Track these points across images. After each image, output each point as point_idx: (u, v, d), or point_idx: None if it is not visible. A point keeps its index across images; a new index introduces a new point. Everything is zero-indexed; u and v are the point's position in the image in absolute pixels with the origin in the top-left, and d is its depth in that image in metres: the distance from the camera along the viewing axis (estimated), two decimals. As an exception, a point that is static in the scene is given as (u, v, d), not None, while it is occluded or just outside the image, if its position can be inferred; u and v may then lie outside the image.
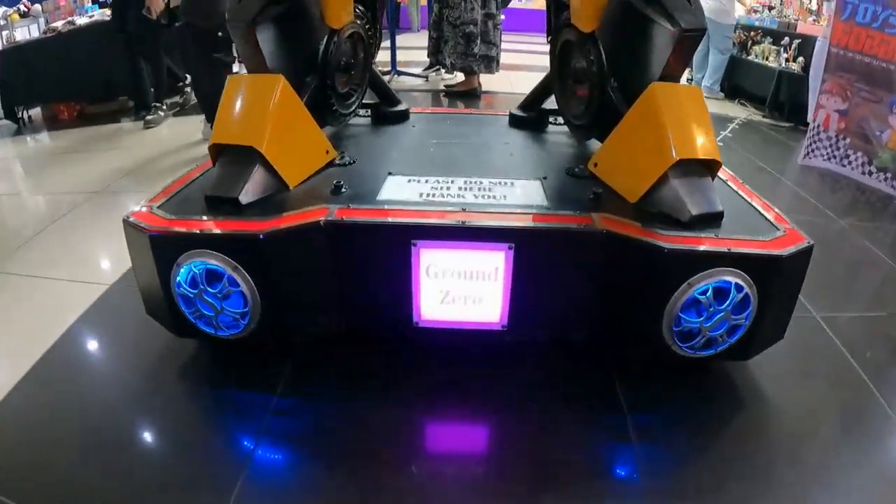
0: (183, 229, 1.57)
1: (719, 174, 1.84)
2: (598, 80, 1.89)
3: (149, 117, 4.89)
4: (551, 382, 1.78)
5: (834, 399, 1.84)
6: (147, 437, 1.61)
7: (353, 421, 1.61)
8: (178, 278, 1.59)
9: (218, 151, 1.77)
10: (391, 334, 1.80)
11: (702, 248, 1.50)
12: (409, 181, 1.79)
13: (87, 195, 3.37)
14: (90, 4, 7.37)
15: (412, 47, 8.06)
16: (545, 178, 1.85)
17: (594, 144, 2.16)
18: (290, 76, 1.82)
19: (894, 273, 2.72)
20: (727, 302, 1.52)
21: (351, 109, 2.24)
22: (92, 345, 2.02)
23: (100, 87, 5.60)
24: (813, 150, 4.48)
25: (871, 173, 4.24)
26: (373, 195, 1.69)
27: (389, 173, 1.85)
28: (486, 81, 5.45)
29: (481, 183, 1.77)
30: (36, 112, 5.71)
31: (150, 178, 3.56)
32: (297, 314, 1.67)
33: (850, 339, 2.09)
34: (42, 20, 8.08)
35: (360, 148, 2.15)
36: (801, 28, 6.47)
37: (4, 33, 6.44)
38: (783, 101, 5.92)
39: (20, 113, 5.37)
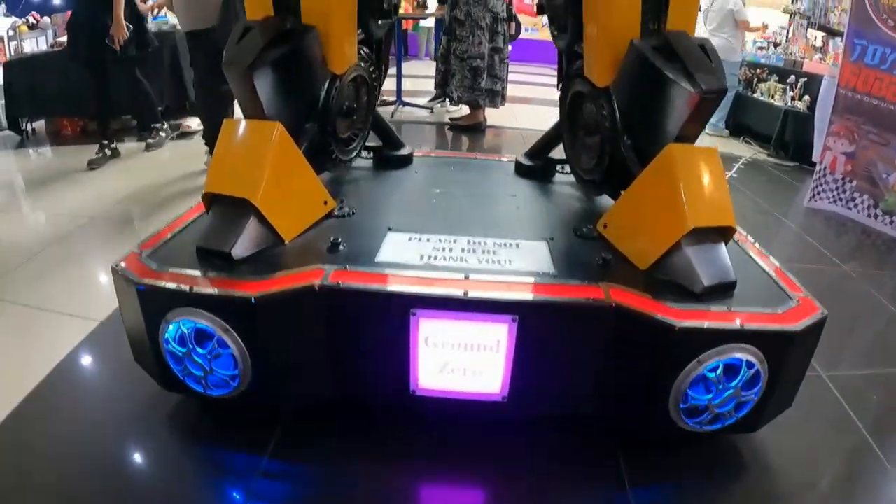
0: (172, 285, 1.50)
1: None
2: (611, 137, 1.83)
3: (150, 140, 4.84)
4: (551, 451, 1.71)
5: (839, 461, 1.81)
6: (130, 492, 1.53)
7: (344, 487, 1.54)
8: (167, 335, 1.52)
9: (211, 199, 1.70)
10: (387, 402, 1.72)
11: (714, 325, 1.43)
12: (410, 239, 1.72)
13: (84, 219, 3.33)
14: None
15: (419, 76, 8.07)
16: (552, 238, 1.78)
17: (603, 199, 2.11)
18: (289, 122, 1.76)
19: (900, 323, 2.66)
20: (737, 379, 1.46)
21: (352, 156, 2.19)
22: (78, 387, 1.96)
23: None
24: (819, 193, 4.44)
25: (876, 216, 4.21)
26: (371, 255, 1.63)
27: (389, 228, 1.78)
28: (491, 115, 5.44)
29: (485, 244, 1.71)
30: (40, 125, 5.72)
31: (148, 206, 3.55)
32: (290, 379, 1.59)
33: (855, 398, 2.05)
34: (50, 32, 8.13)
35: (360, 196, 2.09)
36: (807, 66, 6.49)
37: (13, 44, 6.46)
38: (788, 140, 5.92)
39: (24, 125, 5.37)
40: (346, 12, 1.87)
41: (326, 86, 1.88)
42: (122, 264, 1.59)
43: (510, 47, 5.34)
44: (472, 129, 5.32)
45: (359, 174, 2.33)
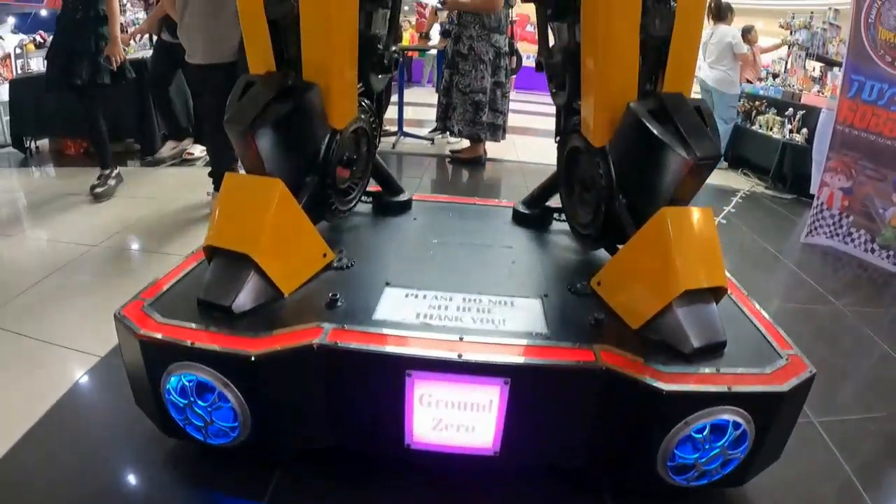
0: (174, 339, 1.54)
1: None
2: (606, 196, 1.87)
3: (97, 190, 4.34)
4: (542, 499, 1.75)
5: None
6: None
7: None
8: (168, 385, 1.56)
9: (212, 251, 1.75)
10: (383, 454, 1.76)
11: (701, 388, 1.47)
12: (407, 295, 1.76)
13: (86, 247, 3.37)
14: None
15: (421, 103, 8.15)
16: (546, 295, 1.82)
17: (599, 251, 2.15)
18: (289, 177, 1.81)
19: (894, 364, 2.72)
20: (724, 439, 1.49)
21: (350, 206, 2.22)
22: (77, 424, 1.97)
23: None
24: (816, 228, 4.48)
25: (873, 251, 4.25)
26: (369, 312, 1.67)
27: (387, 283, 1.82)
28: (492, 147, 5.51)
29: (480, 301, 1.75)
30: (44, 143, 5.82)
31: (150, 238, 3.60)
32: (289, 430, 1.63)
33: (846, 445, 2.07)
34: None
35: (358, 246, 2.13)
36: (806, 99, 6.55)
37: (20, 62, 6.52)
38: (786, 172, 6.01)
39: (28, 143, 5.43)
40: (348, 70, 1.91)
41: (327, 140, 1.92)
42: (125, 314, 1.63)
43: (512, 80, 5.41)
44: (472, 163, 5.37)
45: (358, 220, 2.37)
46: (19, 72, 6.39)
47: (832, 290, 3.51)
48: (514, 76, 5.51)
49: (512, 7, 5.27)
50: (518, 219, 2.47)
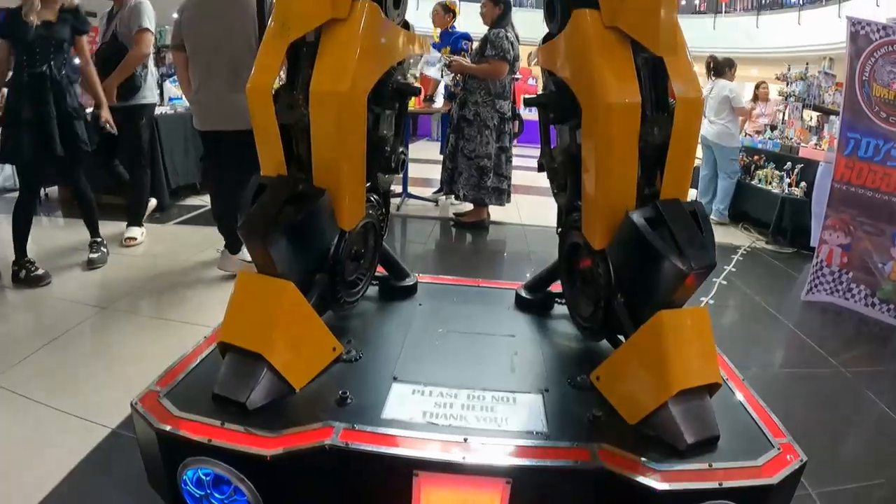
0: (192, 436, 1.62)
1: (722, 370, 1.93)
2: (606, 295, 1.95)
3: (93, 255, 4.25)
4: None
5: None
6: None
7: None
8: (185, 476, 1.64)
9: (226, 346, 1.83)
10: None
11: (693, 486, 1.53)
12: (414, 392, 1.84)
13: (94, 309, 3.41)
14: None
15: (427, 160, 8.26)
16: (547, 390, 1.90)
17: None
18: (300, 277, 1.90)
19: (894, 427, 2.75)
20: (715, 530, 1.55)
21: (357, 298, 2.30)
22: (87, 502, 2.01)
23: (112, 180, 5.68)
24: (816, 286, 4.55)
25: (874, 305, 4.32)
26: (377, 410, 1.75)
27: (395, 378, 1.91)
28: (495, 209, 5.59)
29: (483, 398, 1.83)
30: (53, 190, 5.99)
31: (160, 302, 3.62)
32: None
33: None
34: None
35: (366, 335, 2.22)
36: (803, 152, 6.67)
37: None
38: (786, 226, 6.06)
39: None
40: (357, 175, 1.99)
41: (336, 240, 2.01)
42: (142, 405, 1.71)
43: (515, 143, 5.53)
44: (475, 227, 5.47)
45: (365, 307, 2.45)
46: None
47: (833, 351, 3.55)
48: (516, 139, 5.62)
49: (516, 73, 5.41)
50: (520, 304, 2.55)
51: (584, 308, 2.17)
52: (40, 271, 3.86)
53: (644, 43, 1.78)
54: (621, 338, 1.99)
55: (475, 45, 5.57)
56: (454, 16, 6.37)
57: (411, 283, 2.61)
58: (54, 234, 4.32)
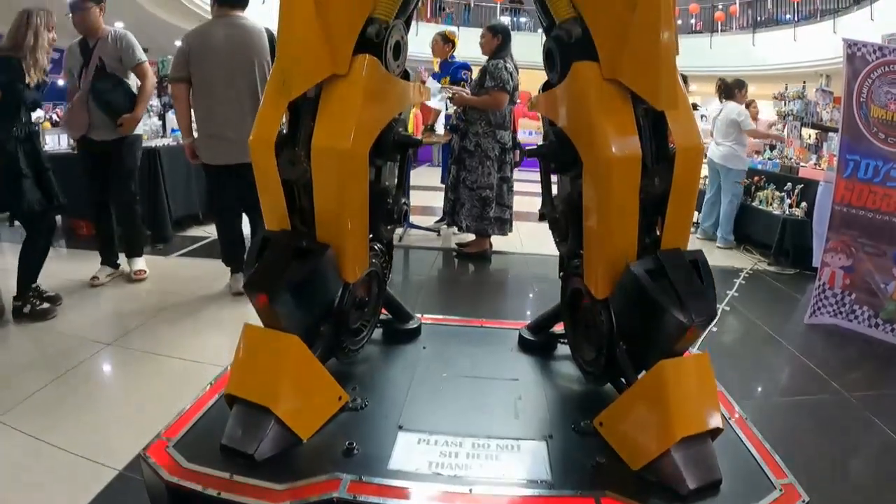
0: (201, 487, 1.64)
1: (725, 408, 1.96)
2: (608, 343, 1.98)
3: (25, 310, 3.84)
4: None
5: None
6: None
7: None
8: (195, 528, 1.66)
9: (233, 398, 1.86)
10: None
11: (695, 535, 1.56)
12: (419, 441, 1.86)
13: (101, 345, 3.40)
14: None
15: (428, 186, 8.29)
16: (551, 436, 1.91)
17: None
18: (305, 331, 1.93)
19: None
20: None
21: (360, 345, 2.32)
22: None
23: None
24: (819, 309, 4.56)
25: (877, 325, 4.34)
26: (384, 460, 1.76)
27: (400, 427, 1.93)
28: (497, 238, 5.60)
29: (488, 447, 1.84)
30: (56, 219, 5.83)
31: (166, 338, 3.59)
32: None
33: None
34: None
35: (371, 382, 2.24)
36: (803, 172, 6.70)
37: (34, 138, 6.55)
38: (788, 247, 6.07)
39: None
40: (359, 230, 2.01)
41: (340, 292, 2.03)
42: (150, 455, 1.73)
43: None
44: (478, 257, 5.50)
45: (369, 351, 2.46)
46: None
47: (837, 375, 3.55)
48: (516, 168, 5.66)
49: (516, 103, 5.46)
50: (523, 345, 2.57)
51: (586, 353, 2.19)
52: (45, 305, 3.85)
53: (644, 97, 1.80)
54: (623, 381, 2.01)
55: (475, 74, 5.63)
56: (453, 46, 6.43)
57: (415, 325, 2.63)
58: (59, 266, 4.28)
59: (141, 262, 4.74)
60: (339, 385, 2.01)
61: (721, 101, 7.16)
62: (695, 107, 9.82)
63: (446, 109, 5.87)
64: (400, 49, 2.06)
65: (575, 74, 1.88)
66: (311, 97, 1.91)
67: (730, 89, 7.06)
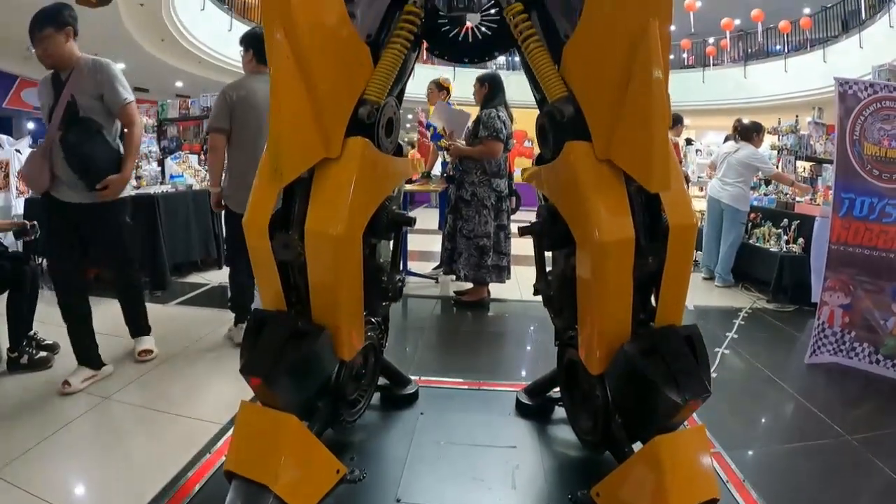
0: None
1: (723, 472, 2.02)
2: (604, 416, 1.98)
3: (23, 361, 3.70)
4: None
5: None
6: None
7: None
8: None
9: (231, 474, 1.86)
10: None
11: None
12: (417, 517, 1.87)
13: (98, 399, 3.36)
14: None
15: (427, 230, 8.29)
16: (548, 509, 1.93)
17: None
18: (301, 408, 1.96)
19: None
20: None
21: (357, 416, 2.33)
22: None
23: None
24: (819, 348, 4.53)
25: (878, 361, 4.30)
26: (383, 540, 1.78)
27: (398, 501, 1.93)
28: (495, 284, 5.60)
29: (486, 524, 1.85)
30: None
31: (166, 393, 3.52)
32: None
33: None
34: None
35: (368, 452, 2.25)
36: (799, 208, 6.69)
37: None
38: (786, 284, 6.04)
39: (38, 260, 5.41)
40: (355, 310, 2.02)
41: (336, 369, 2.05)
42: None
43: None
44: (476, 306, 5.51)
45: (367, 417, 2.47)
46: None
47: (838, 417, 3.51)
48: (513, 215, 5.67)
49: (510, 150, 5.50)
50: (521, 409, 2.58)
51: (583, 422, 2.20)
52: (42, 354, 3.73)
53: (637, 179, 1.80)
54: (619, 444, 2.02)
55: (470, 122, 5.66)
56: (448, 93, 6.47)
57: (412, 390, 2.65)
58: (53, 310, 4.19)
59: (149, 342, 4.04)
60: (336, 458, 2.02)
61: (736, 141, 7.08)
62: (689, 141, 9.95)
63: (442, 159, 5.92)
64: (392, 126, 2.09)
65: (568, 154, 1.90)
66: (304, 177, 1.93)
67: (748, 131, 6.97)
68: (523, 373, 3.43)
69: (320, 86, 1.79)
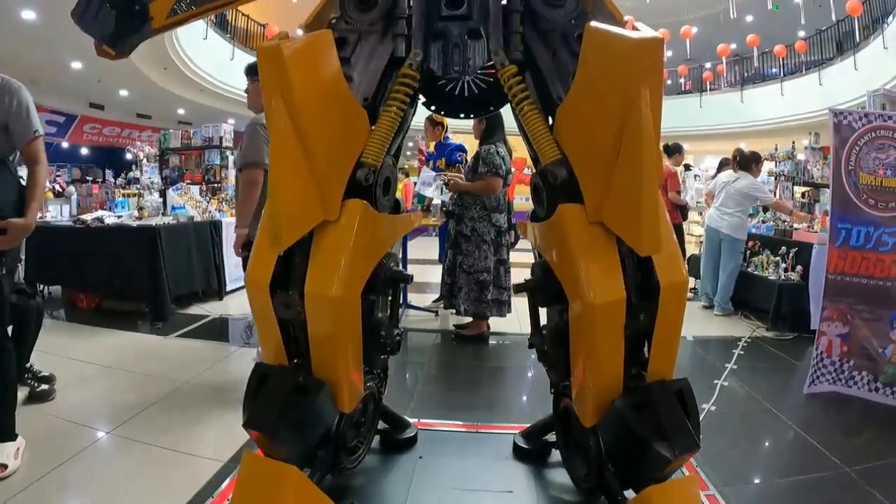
0: None
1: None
2: (597, 465, 2.02)
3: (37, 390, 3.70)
4: None
5: None
6: None
7: None
8: None
9: None
10: None
11: None
12: (416, 570, 1.91)
13: (101, 433, 3.37)
14: (122, 198, 7.81)
15: (426, 260, 8.32)
16: (543, 556, 1.96)
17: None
18: (303, 458, 2.02)
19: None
20: None
21: (356, 463, 2.37)
22: None
23: (118, 286, 5.85)
24: (818, 377, 4.55)
25: (877, 389, 4.33)
26: None
27: (397, 553, 1.97)
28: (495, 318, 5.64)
29: (483, 577, 1.89)
30: (57, 289, 5.99)
31: (164, 429, 3.48)
32: None
33: None
34: (74, 199, 8.50)
35: (368, 497, 2.29)
36: (797, 235, 6.73)
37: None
38: (786, 312, 6.09)
39: (41, 287, 5.55)
40: (354, 364, 2.07)
41: (337, 420, 2.09)
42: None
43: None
44: (476, 340, 5.55)
45: (367, 461, 2.51)
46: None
47: (837, 448, 3.51)
48: (512, 249, 5.71)
49: (509, 185, 5.57)
50: (518, 453, 2.61)
51: (578, 468, 2.24)
52: (43, 387, 3.72)
53: (628, 242, 1.85)
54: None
55: (469, 157, 5.71)
56: (444, 128, 6.55)
57: (412, 434, 2.68)
58: (56, 338, 4.14)
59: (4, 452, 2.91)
60: None
61: (735, 171, 7.15)
62: (687, 167, 10.02)
63: (441, 194, 5.97)
64: (390, 184, 2.16)
65: (560, 216, 1.95)
66: (304, 237, 1.97)
67: (747, 161, 7.04)
68: (521, 413, 3.45)
69: (318, 150, 1.85)
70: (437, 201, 6.21)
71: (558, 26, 2.03)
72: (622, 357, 1.90)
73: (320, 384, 1.96)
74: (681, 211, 7.84)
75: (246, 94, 4.13)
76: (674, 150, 8.21)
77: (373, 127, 2.03)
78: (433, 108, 2.35)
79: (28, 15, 10.37)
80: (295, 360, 2.07)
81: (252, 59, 3.95)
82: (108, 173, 22.37)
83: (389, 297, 2.40)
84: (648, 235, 1.78)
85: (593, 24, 1.83)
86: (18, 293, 3.74)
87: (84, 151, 22.69)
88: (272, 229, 1.87)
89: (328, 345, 1.96)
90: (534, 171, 2.15)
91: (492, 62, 2.05)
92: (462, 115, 2.39)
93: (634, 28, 1.93)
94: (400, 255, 5.48)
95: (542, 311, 2.39)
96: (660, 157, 1.81)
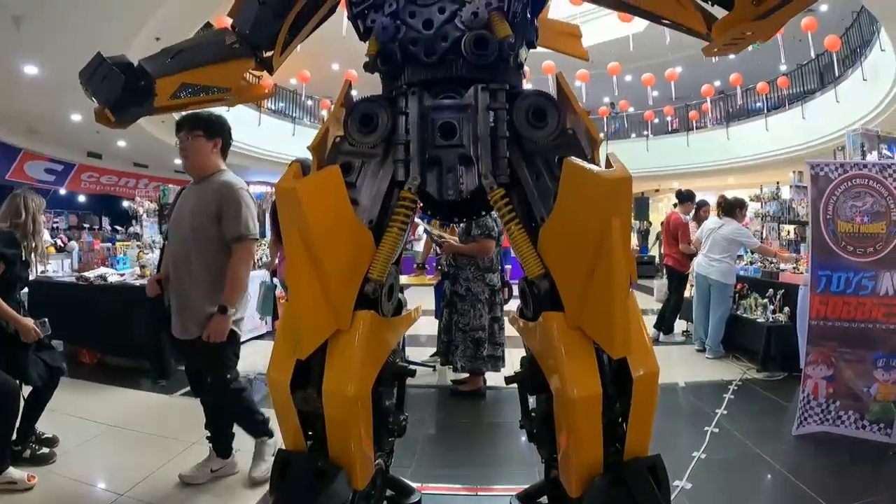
0: None
1: None
2: None
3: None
4: None
5: None
6: None
7: None
8: None
9: None
10: None
11: None
12: None
13: (113, 496, 3.42)
14: (123, 255, 7.94)
15: (423, 310, 8.43)
16: None
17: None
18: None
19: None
20: None
21: None
22: None
23: (120, 343, 5.93)
24: (806, 419, 4.72)
25: (864, 427, 4.53)
26: None
27: None
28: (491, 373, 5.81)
29: None
30: (58, 343, 5.82)
31: (173, 495, 3.52)
32: None
33: None
34: (75, 254, 8.60)
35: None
36: (784, 277, 6.93)
37: (38, 267, 6.51)
38: (775, 354, 6.29)
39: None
40: (365, 452, 2.25)
41: (350, 496, 2.25)
42: None
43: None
44: (473, 395, 5.72)
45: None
46: (38, 273, 6.41)
47: (825, 490, 3.67)
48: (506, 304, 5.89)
49: (501, 245, 5.79)
50: None
51: None
52: (45, 449, 3.83)
53: (602, 346, 2.08)
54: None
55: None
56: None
57: (416, 500, 2.85)
58: (57, 395, 4.05)
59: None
60: None
61: (720, 217, 7.40)
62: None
63: (436, 255, 6.16)
64: (393, 290, 2.40)
65: (544, 322, 2.17)
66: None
67: (731, 207, 7.29)
68: (518, 472, 3.61)
69: (331, 272, 2.10)
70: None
71: (540, 147, 2.26)
72: (600, 442, 2.10)
73: (337, 468, 2.15)
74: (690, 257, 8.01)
75: (180, 151, 3.51)
76: (685, 198, 8.39)
77: (378, 246, 2.25)
78: (429, 213, 2.58)
79: (31, 70, 10.69)
80: (310, 442, 2.27)
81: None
82: (105, 220, 22.66)
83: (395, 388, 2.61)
84: (620, 340, 2.02)
85: (572, 159, 2.06)
86: (47, 365, 3.91)
87: (81, 199, 22.89)
88: (293, 338, 2.12)
89: (344, 434, 2.15)
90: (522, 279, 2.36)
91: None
92: (456, 220, 2.62)
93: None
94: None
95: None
96: (628, 275, 2.05)
